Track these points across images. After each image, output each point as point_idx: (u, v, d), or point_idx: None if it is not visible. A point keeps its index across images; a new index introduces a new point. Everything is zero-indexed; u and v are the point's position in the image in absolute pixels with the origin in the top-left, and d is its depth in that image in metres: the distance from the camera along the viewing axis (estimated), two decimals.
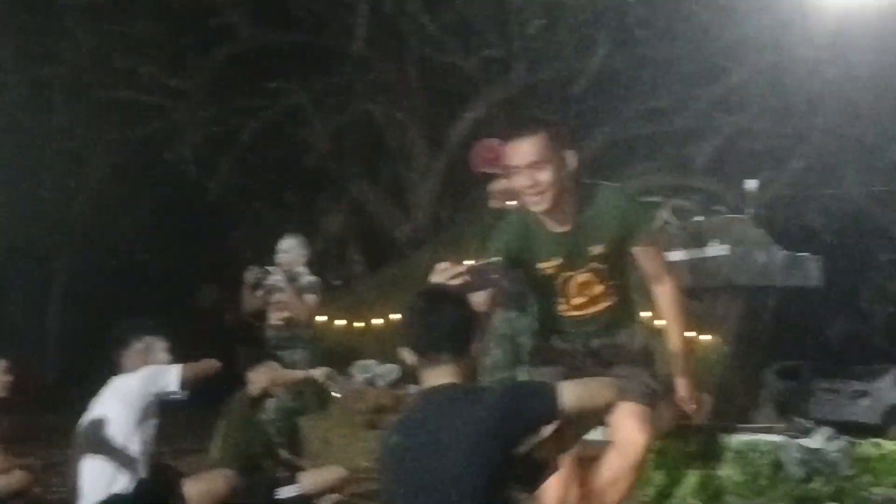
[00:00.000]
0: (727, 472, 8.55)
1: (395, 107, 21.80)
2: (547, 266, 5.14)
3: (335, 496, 8.37)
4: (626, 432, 4.87)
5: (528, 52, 20.60)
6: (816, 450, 8.75)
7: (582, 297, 5.19)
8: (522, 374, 7.55)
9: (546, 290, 5.25)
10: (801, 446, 8.72)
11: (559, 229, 5.12)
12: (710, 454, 8.62)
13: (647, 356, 5.40)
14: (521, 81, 21.37)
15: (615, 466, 4.94)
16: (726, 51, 19.51)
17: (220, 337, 10.36)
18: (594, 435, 8.61)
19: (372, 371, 15.57)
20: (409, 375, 14.65)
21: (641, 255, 5.25)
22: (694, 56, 19.74)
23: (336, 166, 22.80)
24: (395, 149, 22.79)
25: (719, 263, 9.15)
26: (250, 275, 10.21)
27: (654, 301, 5.44)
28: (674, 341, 5.38)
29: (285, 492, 8.10)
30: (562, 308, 5.24)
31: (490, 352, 7.73)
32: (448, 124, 21.70)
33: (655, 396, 5.17)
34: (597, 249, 5.12)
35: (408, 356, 3.95)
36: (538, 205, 5.03)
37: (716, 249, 9.17)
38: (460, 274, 4.02)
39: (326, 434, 12.40)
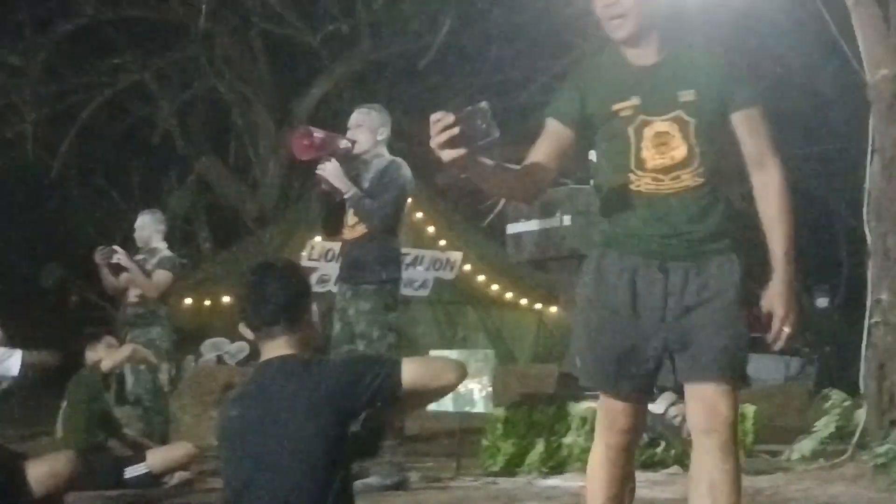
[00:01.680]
0: (573, 439, 8.68)
1: (241, 83, 21.61)
2: (622, 107, 4.14)
3: (183, 474, 8.30)
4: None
5: (373, 26, 20.60)
6: (660, 415, 8.91)
7: (660, 157, 4.09)
8: (361, 348, 7.62)
9: (616, 151, 4.20)
10: None
11: (643, 62, 4.18)
12: (557, 423, 8.74)
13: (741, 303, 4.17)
14: (367, 56, 21.35)
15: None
16: (570, 24, 19.70)
17: (64, 316, 10.18)
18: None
19: (222, 349, 15.48)
20: (259, 353, 14.63)
21: (742, 124, 4.15)
22: (538, 30, 19.92)
23: (182, 143, 22.54)
24: (241, 125, 22.61)
25: (563, 233, 9.25)
26: (98, 254, 10.03)
27: (755, 192, 4.30)
28: (777, 244, 4.16)
29: (132, 470, 8.02)
30: (633, 180, 4.15)
31: (331, 326, 7.74)
32: (294, 100, 21.59)
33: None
34: (686, 95, 4.10)
35: (245, 331, 3.93)
36: (619, 29, 4.12)
37: (559, 220, 9.27)
38: (449, 126, 3.65)
39: (177, 412, 12.31)
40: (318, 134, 7.67)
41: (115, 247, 10.18)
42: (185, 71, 21.91)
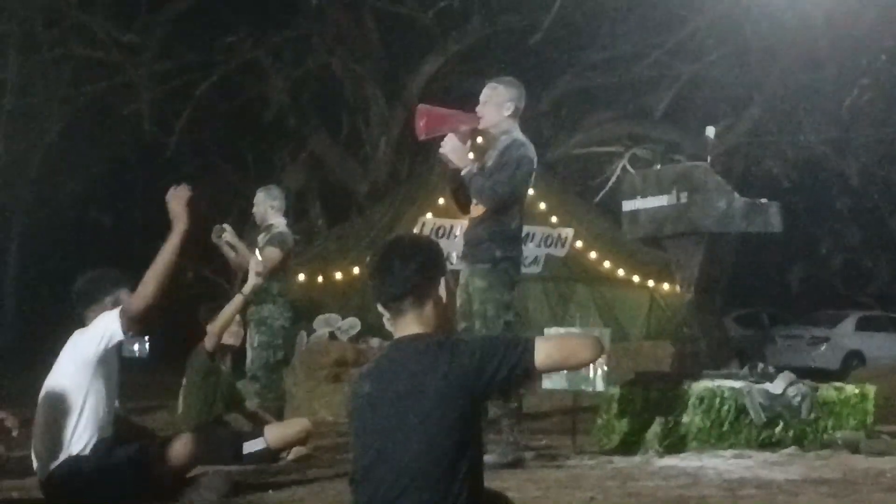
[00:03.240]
0: (690, 418, 8.60)
1: (353, 59, 21.69)
2: None
3: (300, 449, 8.37)
4: None
5: (485, 2, 20.56)
6: (778, 395, 8.79)
7: None
8: (478, 325, 7.62)
9: None
10: (763, 391, 8.76)
11: None
12: (673, 401, 8.67)
13: None
14: (478, 32, 21.32)
15: None
16: (682, 0, 19.50)
17: (181, 293, 10.31)
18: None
19: (334, 325, 15.61)
20: (371, 328, 14.71)
21: None
22: (651, 4, 19.73)
23: (294, 121, 22.71)
24: (352, 102, 22.72)
25: (679, 211, 9.14)
26: (213, 233, 10.13)
27: None
28: None
29: (250, 446, 8.10)
30: None
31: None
32: (406, 76, 21.64)
33: None
34: None
35: (381, 310, 3.92)
36: None
37: (675, 197, 9.16)
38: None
39: (290, 388, 12.43)
40: (433, 112, 7.65)
41: (224, 225, 10.27)
42: (298, 48, 22.05)
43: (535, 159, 7.91)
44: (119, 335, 6.18)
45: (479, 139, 8.27)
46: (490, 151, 7.84)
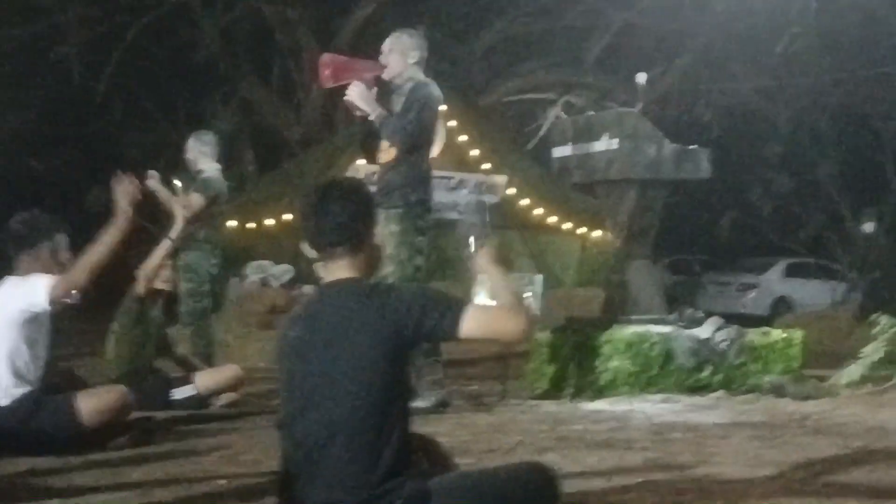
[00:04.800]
0: (619, 363, 8.67)
1: (285, 4, 21.49)
2: None
3: (230, 395, 8.35)
4: None
5: None
6: (706, 339, 8.88)
7: None
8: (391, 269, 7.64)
9: None
10: (691, 336, 8.86)
11: None
12: (602, 346, 8.72)
13: None
14: None
15: None
16: None
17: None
18: None
19: (266, 271, 15.54)
20: (303, 275, 14.67)
21: None
22: None
23: (226, 65, 22.51)
24: (285, 47, 22.53)
25: (610, 157, 9.17)
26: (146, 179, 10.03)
27: None
28: None
29: (180, 392, 8.08)
30: None
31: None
32: (338, 21, 21.48)
33: None
34: None
35: (308, 251, 3.89)
36: None
37: (606, 143, 9.19)
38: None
39: (222, 334, 12.38)
40: (337, 60, 7.67)
41: (151, 171, 10.18)
42: None
43: (442, 98, 7.96)
44: (45, 307, 6.15)
45: (377, 88, 8.25)
46: (396, 98, 7.89)
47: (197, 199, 9.70)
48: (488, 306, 3.87)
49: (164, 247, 8.50)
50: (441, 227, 10.33)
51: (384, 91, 7.92)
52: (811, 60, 21.90)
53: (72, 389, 6.64)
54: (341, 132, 19.15)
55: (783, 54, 21.31)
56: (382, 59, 7.87)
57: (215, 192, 9.87)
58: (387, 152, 7.83)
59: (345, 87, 7.75)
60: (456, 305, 3.69)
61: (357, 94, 7.67)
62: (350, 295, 3.71)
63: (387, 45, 7.92)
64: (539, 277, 9.08)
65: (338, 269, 3.79)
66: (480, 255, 3.99)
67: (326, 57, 7.89)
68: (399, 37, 7.96)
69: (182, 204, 9.45)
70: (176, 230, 8.60)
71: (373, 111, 7.68)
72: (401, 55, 7.87)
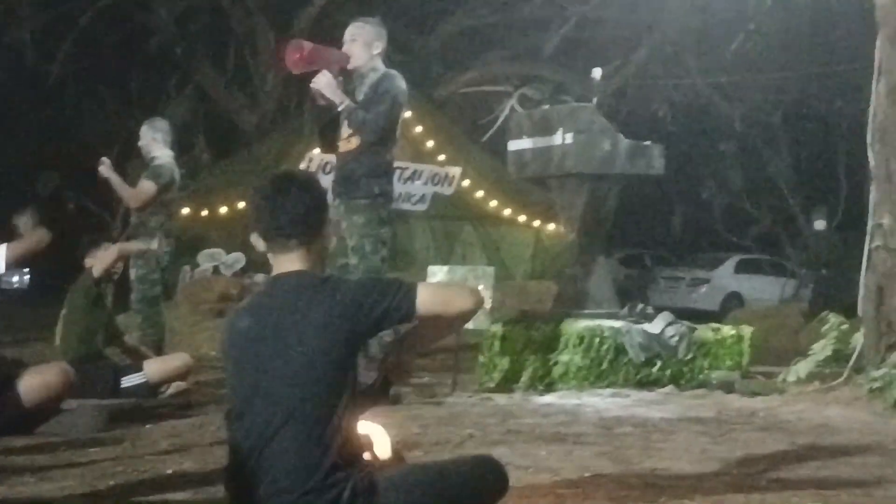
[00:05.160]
0: (570, 357, 8.70)
1: None
2: None
3: (179, 384, 8.32)
4: None
5: None
6: (657, 335, 8.93)
7: None
8: (355, 261, 7.63)
9: None
10: (641, 331, 8.90)
11: None
12: (553, 340, 8.75)
13: None
14: None
15: None
16: None
17: (62, 225, 10.14)
18: None
19: (218, 260, 15.50)
20: (255, 264, 14.62)
21: None
22: None
23: (181, 52, 22.38)
24: (241, 35, 22.43)
25: (564, 152, 9.19)
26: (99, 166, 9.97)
27: None
28: None
29: (129, 380, 8.04)
30: None
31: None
32: (296, 10, 21.40)
33: None
34: None
35: (257, 243, 3.87)
36: None
37: (560, 138, 9.20)
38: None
39: (173, 322, 12.31)
40: (310, 47, 7.63)
41: (103, 158, 10.12)
42: None
43: (407, 91, 7.96)
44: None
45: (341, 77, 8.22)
46: (360, 88, 7.84)
47: (149, 187, 9.63)
48: (438, 282, 3.90)
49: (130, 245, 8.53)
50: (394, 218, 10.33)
51: (346, 80, 7.89)
52: (765, 58, 22.02)
53: (10, 371, 6.61)
54: (296, 121, 19.08)
55: (738, 51, 21.41)
56: (346, 48, 7.82)
57: (167, 179, 9.80)
58: (347, 142, 7.81)
59: (308, 74, 7.71)
60: (407, 286, 3.71)
61: (325, 84, 7.62)
62: (301, 287, 3.70)
63: (350, 33, 7.87)
64: (490, 270, 9.08)
65: (289, 262, 3.78)
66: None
67: (297, 42, 7.83)
68: (362, 26, 7.92)
69: (133, 191, 9.43)
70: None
71: (340, 101, 7.64)
72: (365, 45, 7.82)
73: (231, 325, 3.85)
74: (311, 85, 7.71)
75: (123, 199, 9.92)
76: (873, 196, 8.66)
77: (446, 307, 3.77)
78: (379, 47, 7.89)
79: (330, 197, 7.99)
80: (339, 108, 7.66)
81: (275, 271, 3.82)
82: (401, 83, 7.85)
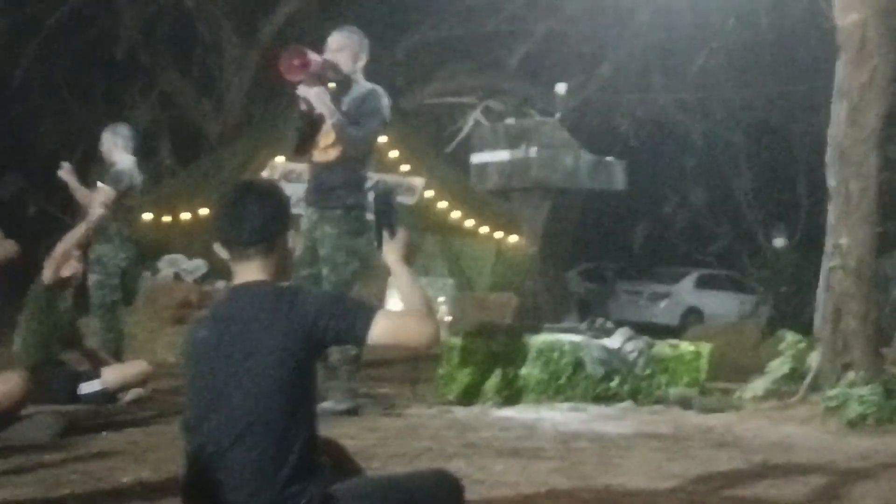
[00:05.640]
0: (529, 370, 8.73)
1: None
2: None
3: (138, 391, 8.30)
4: None
5: None
6: (615, 349, 8.99)
7: None
8: (326, 271, 7.63)
9: None
10: (600, 346, 8.95)
11: None
12: (513, 353, 8.78)
13: None
14: None
15: None
16: None
17: (23, 228, 10.10)
18: None
19: (179, 266, 15.45)
20: (217, 271, 14.59)
21: None
22: None
23: (146, 57, 22.31)
24: (206, 41, 22.39)
25: (527, 165, 9.25)
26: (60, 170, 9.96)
27: None
28: None
29: (87, 386, 8.01)
30: None
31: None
32: (261, 18, 21.39)
33: None
34: None
35: (220, 251, 3.88)
36: None
37: (524, 151, 9.26)
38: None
39: (133, 328, 12.28)
40: (308, 54, 7.55)
41: (63, 162, 10.10)
42: None
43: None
44: None
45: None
46: (342, 98, 7.80)
47: (106, 191, 9.60)
48: (398, 312, 3.88)
49: (77, 233, 8.45)
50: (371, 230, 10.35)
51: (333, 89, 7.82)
52: (728, 76, 22.15)
53: None
54: (261, 128, 19.07)
55: (702, 68, 21.54)
56: (332, 56, 7.76)
57: (126, 184, 9.77)
58: (324, 152, 7.79)
59: (293, 81, 7.65)
60: (365, 311, 3.70)
61: (317, 96, 7.58)
62: (260, 297, 3.71)
63: (337, 42, 7.83)
64: (450, 282, 9.13)
65: (249, 271, 3.79)
66: (388, 251, 4.00)
67: (295, 48, 7.70)
68: (350, 36, 7.88)
69: (93, 196, 9.41)
70: (93, 217, 8.57)
71: (332, 115, 7.59)
72: (352, 55, 7.80)
73: (191, 335, 3.85)
74: (299, 92, 7.66)
75: (82, 203, 9.90)
76: (831, 216, 8.75)
77: (399, 340, 3.78)
78: (363, 59, 7.87)
79: (302, 205, 8.01)
80: (331, 122, 7.61)
81: (236, 280, 3.83)
82: (387, 100, 7.87)
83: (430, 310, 3.85)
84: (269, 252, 3.79)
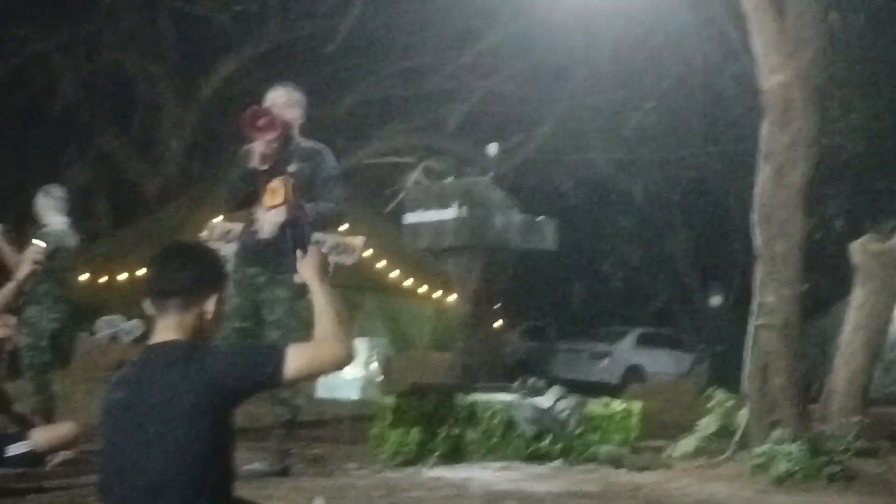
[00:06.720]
0: (461, 430, 8.73)
1: (147, 58, 21.40)
2: None
3: (66, 453, 8.22)
4: None
5: (282, 8, 20.53)
6: (547, 409, 9.00)
7: None
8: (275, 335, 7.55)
9: None
10: (532, 405, 8.96)
11: None
12: (446, 413, 8.79)
13: None
14: (275, 38, 21.28)
15: None
16: (479, 15, 19.79)
17: None
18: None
19: (116, 326, 15.39)
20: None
21: None
22: (447, 18, 19.99)
23: (84, 116, 22.27)
24: (145, 101, 22.40)
25: (459, 225, 9.31)
26: None
27: None
28: None
29: (14, 448, 7.91)
30: None
31: (231, 299, 7.55)
32: (200, 78, 21.45)
33: None
34: None
35: (147, 307, 3.90)
36: None
37: (455, 211, 9.33)
38: None
39: (67, 390, 12.17)
40: (271, 112, 7.39)
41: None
42: (90, 44, 21.61)
43: None
44: None
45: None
46: (288, 156, 7.60)
47: (33, 253, 9.55)
48: (307, 344, 3.89)
49: (5, 291, 8.42)
50: None
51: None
52: (663, 134, 22.40)
53: None
54: (197, 189, 19.06)
55: (637, 128, 21.78)
56: (281, 111, 7.50)
57: (54, 245, 9.72)
58: (270, 211, 7.55)
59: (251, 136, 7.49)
60: (276, 353, 3.73)
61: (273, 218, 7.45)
62: (170, 357, 3.71)
63: (286, 98, 7.68)
64: (383, 341, 9.15)
65: (165, 327, 3.79)
66: (303, 268, 4.04)
67: (258, 108, 7.48)
68: (293, 92, 7.74)
69: (20, 258, 9.37)
70: (17, 279, 8.53)
71: (308, 214, 7.37)
72: (301, 111, 7.71)
73: (105, 397, 3.85)
74: (263, 150, 7.39)
75: (12, 265, 9.84)
76: (758, 275, 8.86)
77: (315, 369, 3.83)
78: (305, 117, 7.80)
79: (236, 261, 7.88)
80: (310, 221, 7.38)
81: (153, 337, 3.83)
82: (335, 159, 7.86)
83: (341, 327, 3.88)
84: (187, 308, 3.79)
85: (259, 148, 7.42)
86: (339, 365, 3.87)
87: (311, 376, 3.91)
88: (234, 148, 7.75)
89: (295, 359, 3.73)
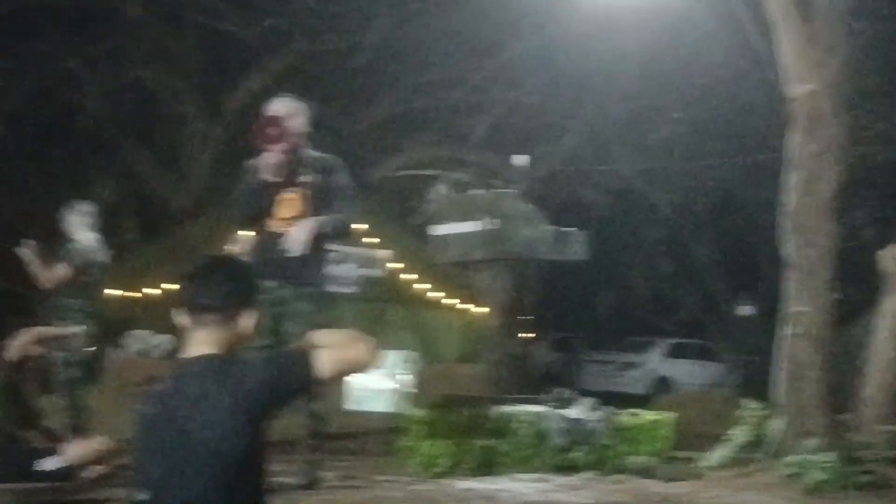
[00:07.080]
0: (493, 441, 8.73)
1: (172, 74, 21.46)
2: None
3: (99, 468, 8.23)
4: None
5: (308, 23, 20.56)
6: (577, 420, 9.01)
7: None
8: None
9: None
10: (563, 416, 8.97)
11: None
12: (476, 425, 8.78)
13: None
14: (300, 53, 21.31)
15: None
16: (502, 26, 19.80)
17: None
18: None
19: (146, 341, 15.42)
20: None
21: None
22: (471, 30, 19.99)
23: (109, 132, 22.34)
24: (171, 116, 22.46)
25: (486, 237, 9.31)
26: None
27: None
28: None
29: (46, 463, 7.93)
30: None
31: None
32: (226, 93, 21.50)
33: None
34: None
35: (181, 319, 3.89)
36: None
37: (483, 223, 9.33)
38: None
39: (98, 405, 12.21)
40: (284, 123, 7.41)
41: (25, 240, 10.11)
42: (115, 60, 21.67)
43: None
44: None
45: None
46: (295, 166, 7.63)
47: (62, 270, 9.62)
48: (334, 348, 3.88)
49: (45, 332, 8.46)
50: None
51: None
52: (690, 145, 22.33)
53: None
54: (224, 203, 19.08)
55: (663, 139, 21.74)
56: (291, 124, 7.49)
57: (83, 262, 9.78)
58: (287, 223, 7.60)
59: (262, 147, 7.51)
60: (304, 356, 3.74)
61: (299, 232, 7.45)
62: (207, 372, 3.71)
63: (290, 108, 7.63)
64: (415, 354, 9.15)
65: (201, 342, 3.79)
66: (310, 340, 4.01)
67: (272, 118, 7.53)
68: (291, 102, 7.68)
69: (49, 274, 9.42)
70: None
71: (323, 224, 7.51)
72: (304, 121, 7.66)
73: (139, 412, 3.85)
74: (272, 160, 7.44)
75: (37, 280, 9.90)
76: (787, 284, 8.83)
77: (346, 364, 3.82)
78: (308, 125, 7.76)
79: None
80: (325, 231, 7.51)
81: (188, 350, 3.83)
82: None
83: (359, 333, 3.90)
84: (226, 323, 3.79)
85: (271, 159, 7.46)
86: (368, 362, 3.86)
87: (343, 373, 3.89)
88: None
89: (324, 358, 3.74)
